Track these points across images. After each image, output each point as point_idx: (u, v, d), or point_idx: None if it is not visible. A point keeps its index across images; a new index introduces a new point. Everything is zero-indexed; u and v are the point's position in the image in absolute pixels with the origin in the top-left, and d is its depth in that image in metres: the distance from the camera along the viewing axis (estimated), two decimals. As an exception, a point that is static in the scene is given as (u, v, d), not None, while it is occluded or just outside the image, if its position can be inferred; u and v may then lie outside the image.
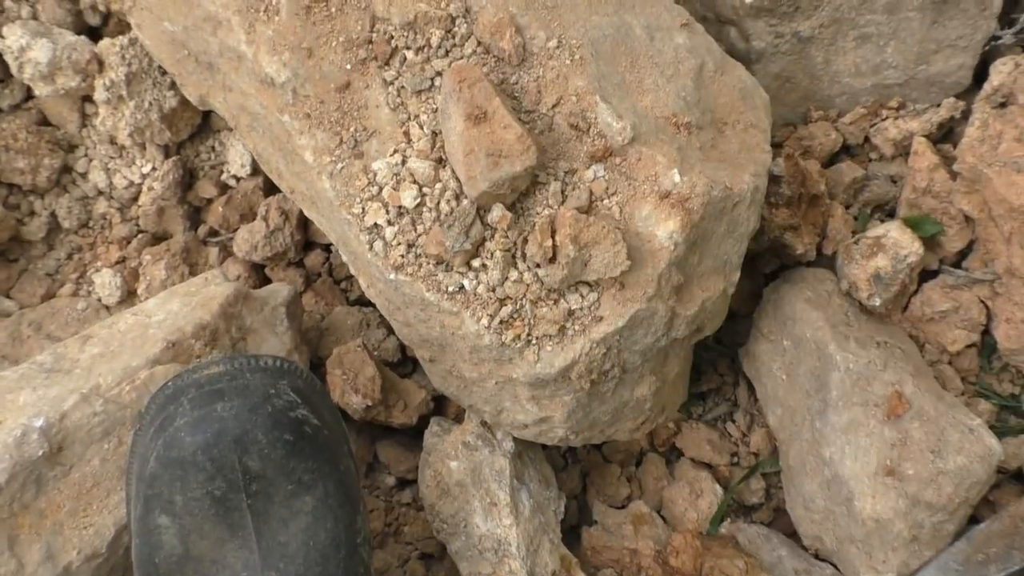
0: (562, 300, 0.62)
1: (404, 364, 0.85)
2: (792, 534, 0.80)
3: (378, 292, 0.69)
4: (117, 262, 0.88)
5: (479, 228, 0.61)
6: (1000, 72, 0.75)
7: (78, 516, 0.62)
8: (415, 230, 0.63)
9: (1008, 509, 0.62)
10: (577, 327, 0.62)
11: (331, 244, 0.89)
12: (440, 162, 0.63)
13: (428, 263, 0.62)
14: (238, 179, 0.89)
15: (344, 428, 0.64)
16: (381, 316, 0.85)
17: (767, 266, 0.83)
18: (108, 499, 0.63)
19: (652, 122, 0.64)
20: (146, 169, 0.87)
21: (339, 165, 0.64)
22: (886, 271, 0.75)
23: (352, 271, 0.72)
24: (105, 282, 0.86)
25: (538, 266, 0.61)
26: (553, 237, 0.60)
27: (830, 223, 0.80)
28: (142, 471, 0.57)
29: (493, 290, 0.62)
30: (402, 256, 0.63)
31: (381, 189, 0.63)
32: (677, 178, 0.61)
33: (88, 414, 0.63)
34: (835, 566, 0.76)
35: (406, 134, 0.64)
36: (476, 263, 0.62)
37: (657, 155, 0.62)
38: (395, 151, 0.64)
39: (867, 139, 0.83)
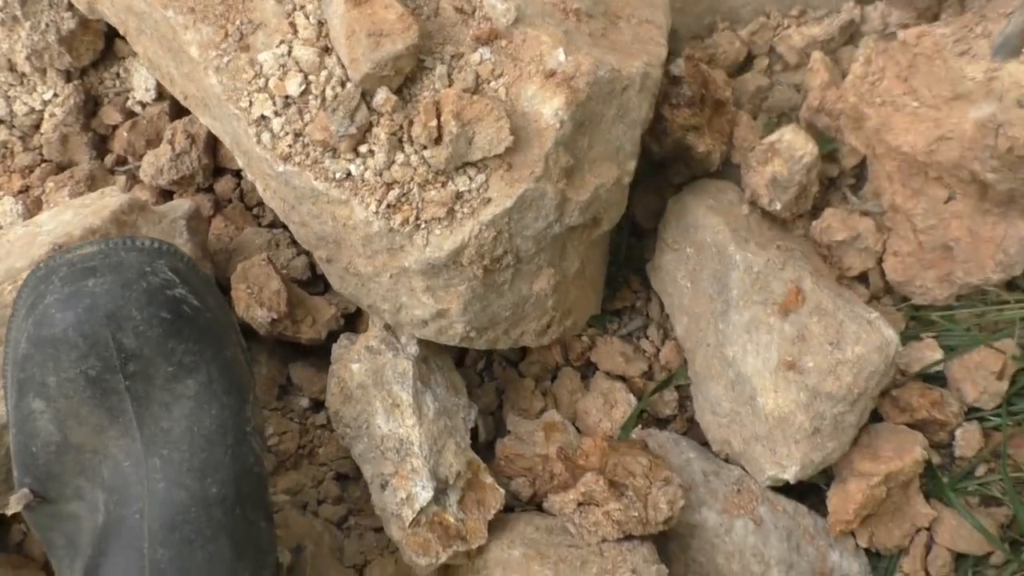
0: (450, 182, 0.61)
1: (315, 283, 0.84)
2: (704, 443, 0.80)
3: (273, 193, 0.68)
4: (20, 191, 0.86)
5: (364, 112, 0.61)
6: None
7: (-44, 413, 0.60)
8: (302, 119, 0.62)
9: None
10: (466, 209, 0.61)
11: (241, 170, 0.88)
12: (326, 50, 0.62)
13: (315, 151, 0.62)
14: (144, 105, 0.88)
15: (233, 320, 0.63)
16: (291, 237, 0.84)
17: (677, 177, 0.83)
18: (-11, 398, 0.61)
19: (539, 6, 0.63)
20: (47, 95, 0.86)
21: (225, 59, 0.64)
22: (782, 174, 0.75)
23: (250, 177, 0.71)
24: (6, 210, 0.84)
25: (424, 148, 0.60)
26: (438, 118, 0.60)
27: (736, 131, 0.80)
28: (15, 355, 0.55)
29: (380, 174, 0.61)
30: (289, 146, 0.62)
31: (267, 80, 0.63)
32: (562, 57, 0.61)
33: (-32, 312, 0.62)
34: (743, 468, 0.76)
35: (292, 24, 0.63)
36: (363, 149, 0.61)
37: (542, 35, 0.61)
38: (281, 42, 0.63)
39: (772, 49, 0.84)
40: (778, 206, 0.77)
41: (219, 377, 0.58)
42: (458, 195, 0.61)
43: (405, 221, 0.61)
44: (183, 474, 0.57)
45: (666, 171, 0.84)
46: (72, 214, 0.70)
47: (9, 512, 0.58)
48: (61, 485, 0.57)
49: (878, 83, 0.75)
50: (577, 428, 0.80)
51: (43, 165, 0.86)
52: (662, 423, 0.83)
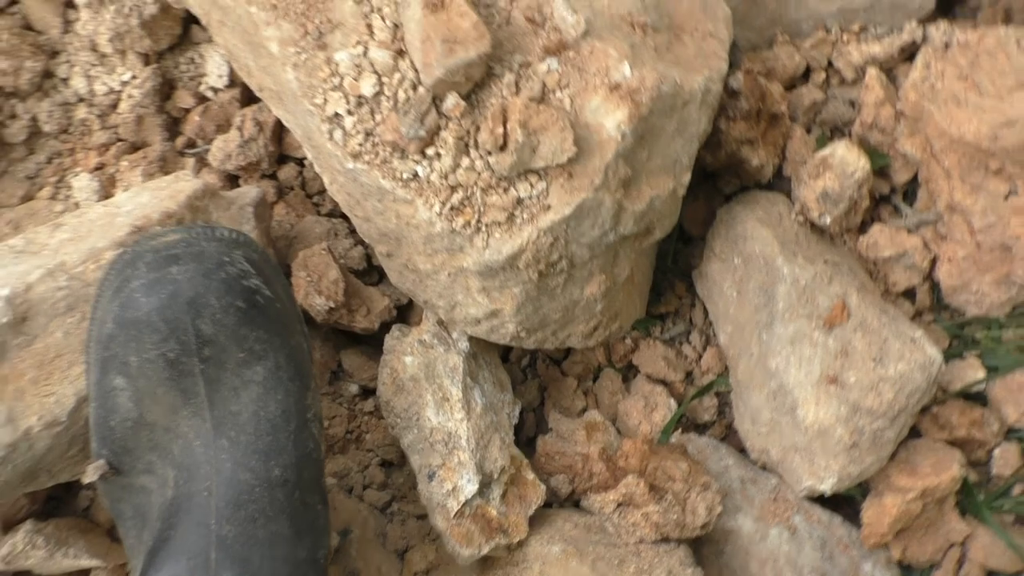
0: (511, 188, 0.63)
1: (370, 273, 0.87)
2: (742, 450, 0.82)
3: (339, 187, 0.70)
4: (96, 168, 0.90)
5: (434, 116, 0.63)
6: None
7: (40, 384, 0.64)
8: (373, 119, 0.64)
9: None
10: (525, 215, 0.63)
11: (304, 158, 0.91)
12: (400, 53, 0.64)
13: (384, 150, 0.64)
14: (216, 91, 0.91)
15: (298, 309, 0.66)
16: (350, 226, 0.87)
17: (728, 186, 0.84)
18: (70, 370, 0.65)
19: (607, 19, 0.65)
20: (126, 77, 0.89)
21: (303, 56, 0.66)
22: (833, 189, 0.76)
23: (317, 169, 0.73)
24: (83, 186, 0.88)
25: (489, 154, 0.63)
26: (504, 126, 0.62)
27: (789, 144, 0.81)
28: (100, 334, 0.59)
29: (445, 177, 0.63)
30: (360, 144, 0.65)
31: (342, 79, 0.65)
32: (627, 71, 0.63)
33: (52, 288, 0.65)
34: (780, 477, 0.77)
35: (368, 26, 0.65)
36: (430, 151, 0.63)
37: (609, 48, 0.63)
38: (357, 42, 0.65)
39: (830, 63, 0.85)
40: (828, 220, 0.78)
41: (285, 365, 0.61)
42: (519, 201, 0.63)
43: (467, 224, 0.63)
44: (249, 456, 0.59)
45: (716, 180, 0.86)
46: (149, 196, 0.74)
47: (85, 480, 0.61)
48: (134, 459, 0.60)
49: (939, 83, 0.76)
50: (617, 429, 0.82)
51: (118, 144, 0.90)
52: (701, 428, 0.85)
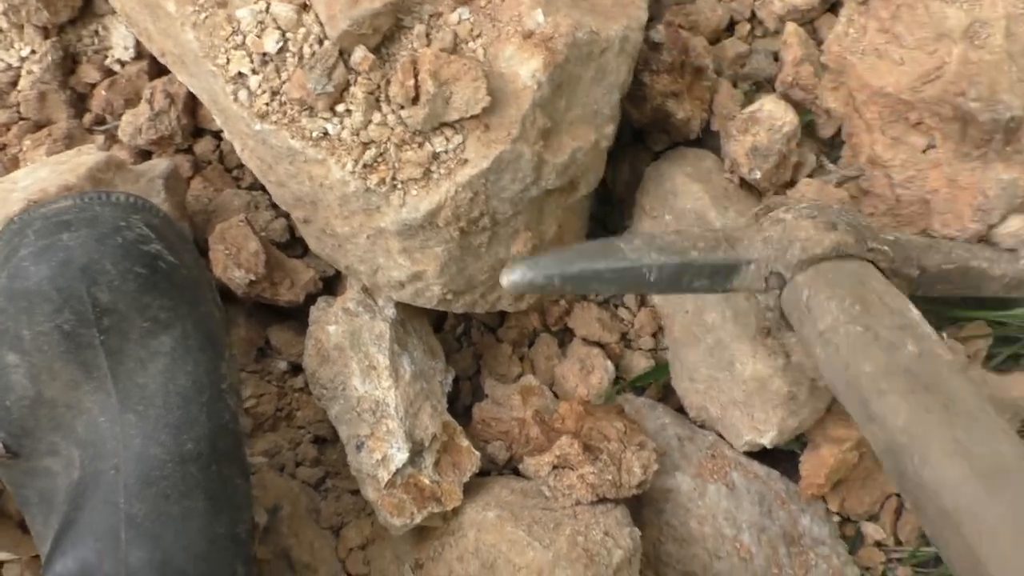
0: (427, 143, 0.61)
1: (293, 246, 0.84)
2: (680, 410, 0.81)
3: (250, 152, 0.67)
4: (-3, 149, 0.85)
5: (342, 70, 0.60)
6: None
7: (-71, 367, 0.60)
8: (279, 76, 0.62)
9: (721, 231, 0.65)
10: (442, 170, 0.61)
11: (221, 131, 0.87)
12: (304, 7, 0.62)
13: (292, 109, 0.61)
14: (122, 63, 0.87)
15: (209, 277, 0.63)
16: (270, 199, 0.84)
17: (656, 143, 0.83)
18: (-38, 352, 0.61)
19: (518, -34, 0.63)
20: (24, 52, 0.85)
21: (203, 15, 0.63)
22: (763, 143, 0.75)
23: (227, 135, 0.70)
24: (-17, 168, 0.83)
25: (401, 107, 0.60)
26: (416, 78, 0.59)
27: (716, 99, 0.80)
28: (-11, 309, 0.55)
29: (357, 134, 0.61)
30: (267, 104, 0.62)
31: (245, 37, 0.62)
32: (540, 18, 0.61)
33: (-59, 267, 0.61)
34: (719, 434, 0.77)
35: (270, -20, 0.62)
36: (340, 108, 0.61)
37: (521, -4, 0.61)
38: (259, -2, 0.62)
39: (753, 15, 0.84)
40: (758, 175, 0.77)
41: (194, 333, 0.58)
42: (435, 156, 0.61)
43: (381, 181, 0.61)
44: (159, 430, 0.57)
45: (645, 139, 0.84)
46: (48, 171, 0.70)
47: None
48: (35, 441, 0.57)
49: (861, 37, 0.76)
50: (555, 393, 0.81)
51: (20, 123, 0.85)
52: (638, 390, 0.84)
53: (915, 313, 0.60)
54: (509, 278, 0.60)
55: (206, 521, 0.58)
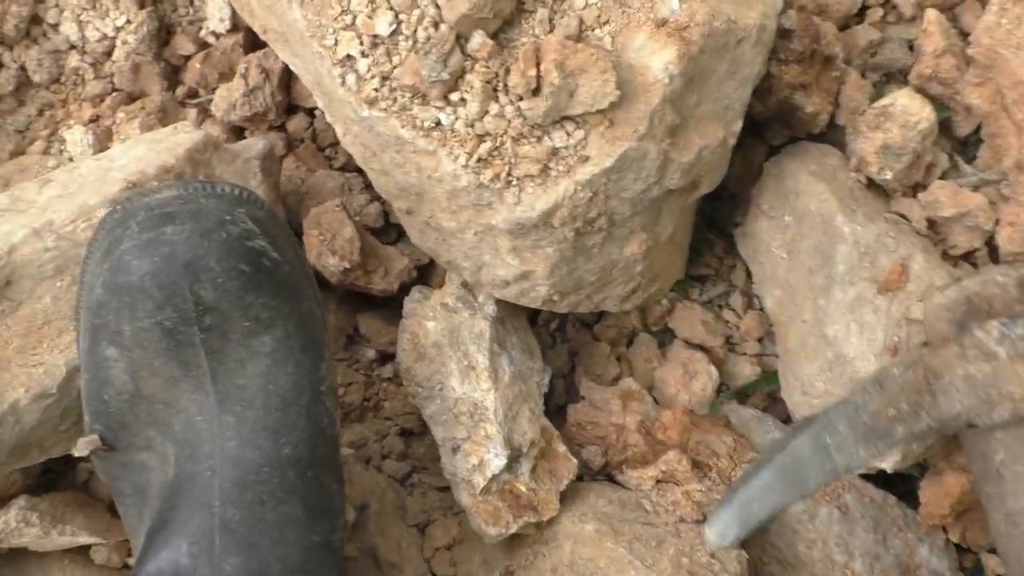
0: (546, 137, 0.57)
1: (388, 231, 0.81)
2: (787, 421, 0.77)
3: (353, 138, 0.64)
4: (90, 120, 0.84)
5: (458, 57, 0.57)
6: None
7: (27, 354, 0.59)
8: (390, 61, 0.58)
9: (921, 359, 0.57)
10: (561, 167, 0.57)
11: (315, 108, 0.84)
12: (419, -14, 0.58)
13: (403, 96, 0.58)
14: (217, 36, 0.84)
15: (309, 271, 0.60)
16: (365, 181, 0.81)
17: (776, 137, 0.78)
18: (60, 338, 0.60)
19: (652, -52, 0.58)
20: (120, 22, 0.83)
21: (311, -9, 0.60)
22: (895, 141, 0.70)
23: (329, 119, 0.67)
24: (77, 139, 0.82)
25: (521, 99, 0.56)
26: (538, 67, 0.55)
27: (843, 91, 0.75)
28: (89, 300, 0.53)
29: (472, 125, 0.57)
30: (376, 90, 0.59)
31: (355, 17, 0.59)
32: (676, 5, 0.56)
33: (39, 249, 0.60)
34: (831, 450, 0.72)
35: (383, -43, 0.59)
36: (454, 97, 0.57)
37: (655, -20, 0.56)
38: (371, -25, 0.59)
39: (887, 0, 0.77)
40: (888, 175, 0.71)
41: (296, 334, 0.55)
42: (554, 151, 0.57)
43: (496, 177, 0.57)
44: (256, 433, 0.55)
45: (762, 131, 0.79)
46: (145, 149, 0.68)
47: (76, 454, 0.57)
48: (131, 435, 0.56)
49: (1016, 29, 0.69)
50: (654, 398, 0.77)
51: (114, 94, 0.84)
52: (741, 397, 0.79)
53: None
54: (716, 542, 0.56)
55: (303, 529, 0.56)
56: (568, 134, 0.57)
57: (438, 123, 0.57)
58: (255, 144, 0.74)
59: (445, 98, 0.57)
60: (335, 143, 0.85)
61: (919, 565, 0.68)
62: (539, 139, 0.57)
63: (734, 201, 0.81)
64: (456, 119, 0.57)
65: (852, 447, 0.54)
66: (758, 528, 0.56)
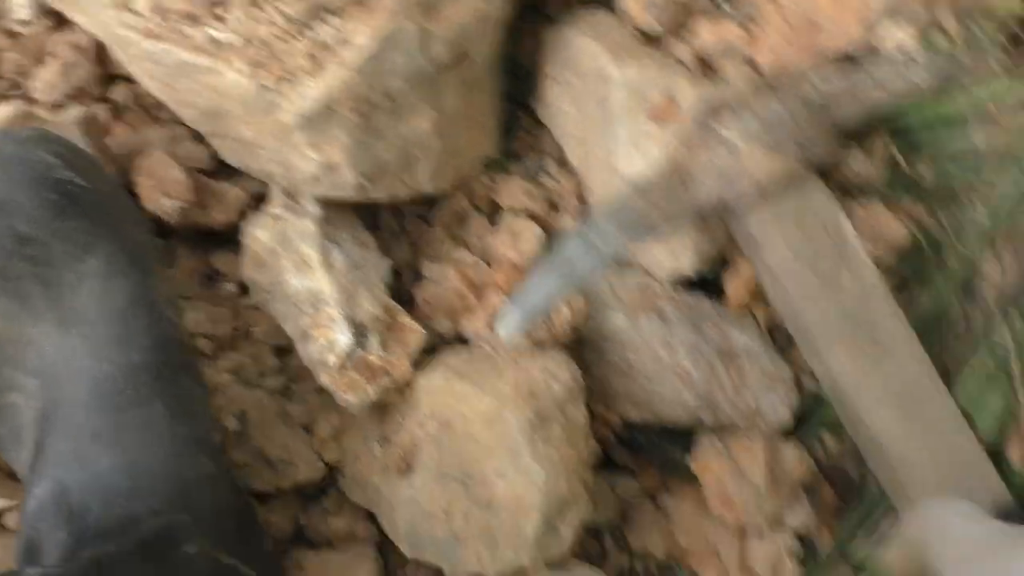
0: (309, 31, 0.64)
1: (221, 172, 0.86)
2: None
3: (150, 78, 0.70)
4: (-81, 127, 0.87)
5: (215, -25, 0.63)
6: None
7: None
8: (161, -7, 0.64)
9: (673, 160, 0.66)
10: (329, 56, 0.64)
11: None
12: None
13: (178, 22, 0.64)
14: (25, 23, 0.88)
15: (125, 197, 0.65)
16: (191, 131, 0.86)
17: (554, 10, 0.85)
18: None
19: None
20: (-75, 27, 0.86)
21: (76, -53, 0.65)
22: (651, -10, 0.78)
23: (130, 69, 0.73)
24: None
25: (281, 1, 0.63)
26: (286, -30, 0.62)
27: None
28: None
29: (242, 34, 0.63)
30: (157, 25, 0.64)
31: (119, -40, 0.64)
32: None
33: None
34: (645, 271, 0.81)
35: (132, -99, 0.64)
36: (220, 12, 0.63)
37: None
38: (125, -79, 0.64)
39: None
40: (653, 22, 0.80)
41: (119, 253, 0.60)
42: (320, 43, 0.64)
43: (274, 77, 0.64)
44: (102, 348, 0.59)
45: (544, 5, 0.86)
46: (-38, 130, 0.72)
47: None
48: None
49: None
50: (488, 264, 0.84)
51: (-65, 97, 0.87)
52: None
53: (847, 227, 0.68)
54: (504, 332, 0.64)
55: (166, 424, 0.60)
56: (330, 25, 0.64)
57: (212, 40, 0.64)
58: (71, 112, 0.78)
59: (214, 15, 0.63)
60: (159, 103, 0.89)
61: (735, 347, 0.78)
62: (304, 34, 0.64)
63: (530, 77, 0.89)
64: (227, 32, 0.63)
65: (616, 239, 0.63)
66: (538, 316, 0.64)
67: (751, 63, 0.84)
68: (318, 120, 0.66)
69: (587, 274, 0.63)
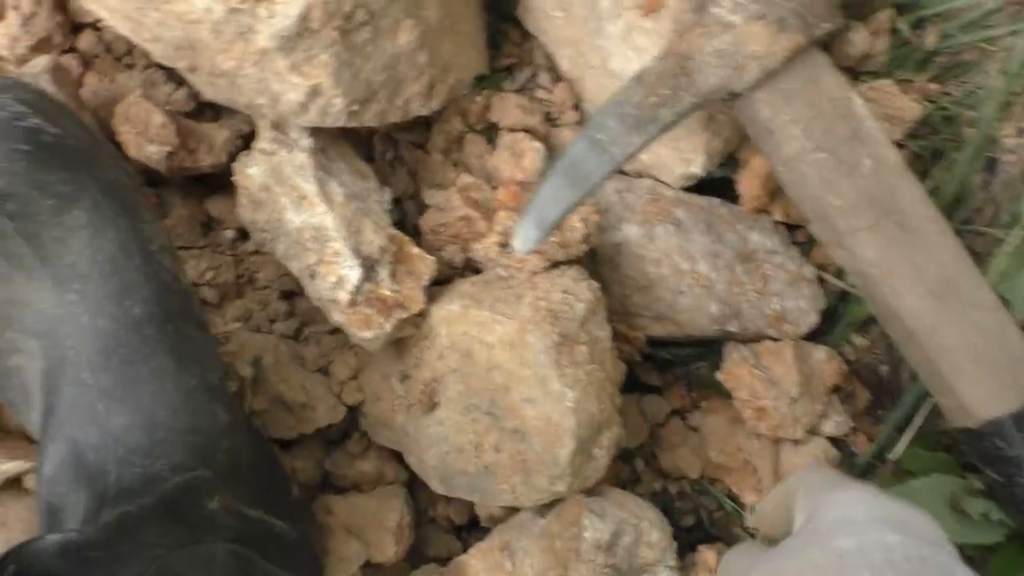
0: (276, -55, 0.59)
1: (203, 112, 0.83)
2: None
3: (117, 15, 0.66)
4: None
5: None
6: None
7: None
8: (114, -79, 0.59)
9: (671, 48, 0.62)
10: (301, -30, 0.60)
11: (99, 20, 0.85)
12: None
13: (138, -48, 0.60)
14: (-21, -23, 0.84)
15: (102, 142, 0.62)
16: (166, 73, 0.82)
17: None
18: None
19: None
20: None
21: None
22: None
23: (99, 12, 0.69)
24: None
25: (241, -84, 0.58)
26: None
27: None
28: None
29: (206, -44, 0.59)
30: (114, -44, 0.60)
31: None
32: None
33: None
34: (655, 178, 0.77)
35: None
36: (182, -66, 0.59)
37: None
38: None
39: None
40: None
41: (105, 201, 0.57)
42: (290, -43, 0.60)
43: (243, -2, 0.60)
44: (101, 302, 0.57)
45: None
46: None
47: None
48: None
49: None
50: (493, 187, 0.81)
51: None
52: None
53: (860, 106, 0.64)
54: (520, 248, 0.61)
55: (176, 376, 0.58)
56: (298, -63, 0.59)
57: (176, -35, 0.59)
58: (39, 61, 0.75)
59: (174, -61, 0.59)
60: (130, 49, 0.85)
61: (754, 249, 0.75)
62: (272, -51, 0.59)
63: (514, -13, 0.84)
64: (190, -44, 0.59)
65: (624, 137, 0.59)
66: (554, 227, 0.61)
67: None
68: (298, 41, 0.62)
69: (597, 177, 0.60)
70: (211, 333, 0.65)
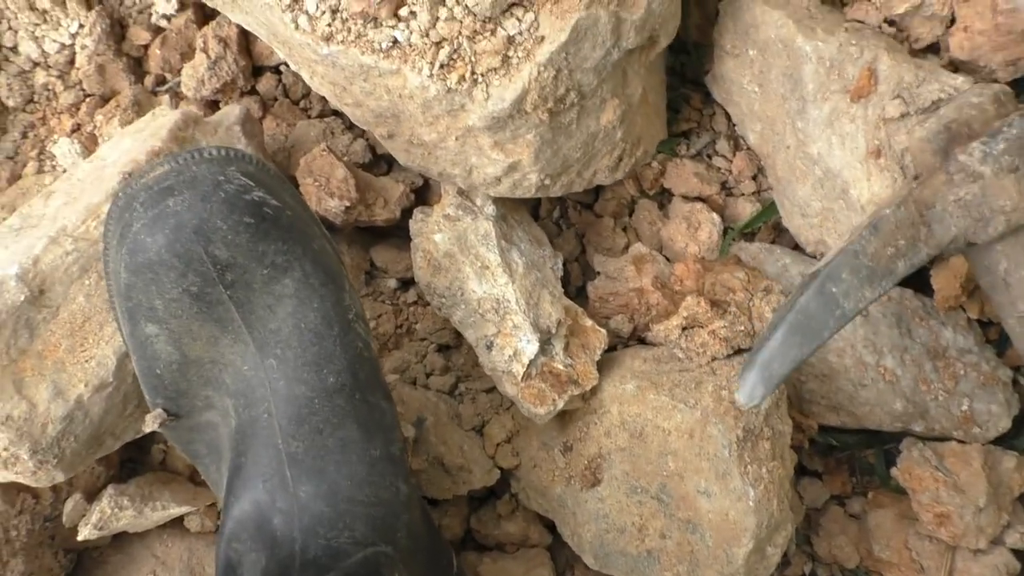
0: (499, 28, 0.59)
1: (377, 164, 0.83)
2: (795, 248, 0.79)
3: (321, 79, 0.66)
4: (72, 130, 0.86)
5: (397, -28, 0.58)
6: None
7: (77, 352, 0.63)
8: (335, -7, 0.60)
9: (911, 194, 0.58)
10: (520, 53, 0.59)
11: (280, 64, 0.86)
12: (343, -85, 0.59)
13: (356, 24, 0.60)
14: (168, 18, 0.86)
15: (312, 212, 0.63)
16: (345, 122, 0.83)
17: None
18: (103, 331, 0.63)
19: None
20: (73, 28, 0.84)
21: (244, -54, 0.61)
22: (841, -55, 0.70)
23: (293, 67, 0.69)
24: (64, 151, 0.84)
25: (466, -3, 0.58)
26: (474, -38, 0.57)
27: (780, -85, 0.75)
28: (118, 286, 0.57)
29: (426, 35, 0.59)
30: (329, 25, 0.60)
31: (291, -40, 0.60)
32: None
33: (60, 255, 0.63)
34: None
35: None
36: (403, 12, 0.59)
37: None
38: (295, -85, 0.60)
39: None
40: (838, -15, 0.72)
41: (313, 271, 0.58)
42: (510, 40, 0.59)
43: (461, 78, 0.59)
44: (299, 369, 0.58)
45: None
46: (131, 141, 0.70)
47: (146, 430, 0.61)
48: (191, 399, 0.59)
49: None
50: (665, 257, 0.79)
51: (87, 100, 0.86)
52: (749, 236, 0.82)
53: None
54: (746, 404, 0.58)
55: (362, 447, 0.59)
56: (519, 20, 0.59)
57: (395, 41, 0.59)
58: (231, 111, 0.76)
59: (395, 15, 0.59)
60: (307, 94, 0.86)
61: (946, 347, 0.71)
62: (493, 31, 0.59)
63: (700, 51, 0.82)
64: (411, 33, 0.59)
65: (857, 291, 0.56)
66: (782, 383, 0.59)
67: (951, 23, 0.75)
68: (507, 121, 0.61)
69: (828, 332, 0.57)
70: (392, 401, 0.65)
